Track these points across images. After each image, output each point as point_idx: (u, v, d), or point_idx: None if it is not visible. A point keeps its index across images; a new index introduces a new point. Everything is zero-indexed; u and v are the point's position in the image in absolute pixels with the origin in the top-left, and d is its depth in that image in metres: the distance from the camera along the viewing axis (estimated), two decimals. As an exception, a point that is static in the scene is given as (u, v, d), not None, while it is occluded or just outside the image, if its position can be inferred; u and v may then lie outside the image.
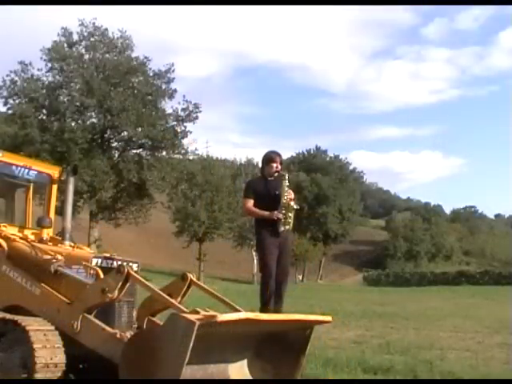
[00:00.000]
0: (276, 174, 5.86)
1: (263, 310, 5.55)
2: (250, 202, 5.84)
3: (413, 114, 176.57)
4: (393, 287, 45.09)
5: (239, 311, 4.76)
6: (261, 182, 5.93)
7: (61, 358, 4.46)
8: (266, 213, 5.70)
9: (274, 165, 5.87)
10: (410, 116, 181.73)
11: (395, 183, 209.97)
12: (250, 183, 6.11)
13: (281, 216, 5.64)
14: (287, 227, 5.67)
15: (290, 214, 5.67)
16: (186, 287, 5.23)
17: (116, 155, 34.03)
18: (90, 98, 30.78)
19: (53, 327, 4.60)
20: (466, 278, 50.48)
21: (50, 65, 31.53)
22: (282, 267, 5.73)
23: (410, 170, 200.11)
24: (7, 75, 30.93)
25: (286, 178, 5.75)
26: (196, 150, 36.86)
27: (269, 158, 5.94)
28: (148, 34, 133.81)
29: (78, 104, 31.39)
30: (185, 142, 33.89)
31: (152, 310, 5.28)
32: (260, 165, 6.21)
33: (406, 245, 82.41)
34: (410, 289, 39.22)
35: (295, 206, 5.70)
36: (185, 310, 4.31)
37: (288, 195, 5.70)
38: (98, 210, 32.89)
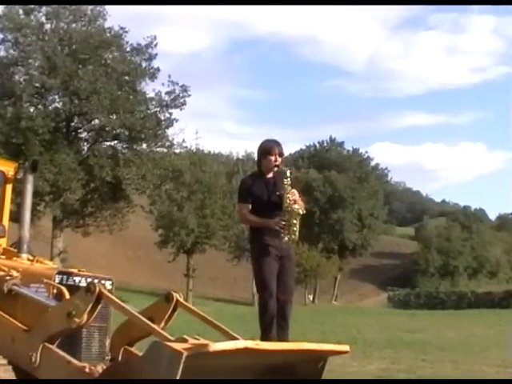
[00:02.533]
0: (275, 169, 5.82)
1: (265, 337, 5.53)
2: (247, 208, 5.82)
3: (449, 97, 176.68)
4: (425, 310, 45.09)
5: (236, 339, 4.77)
6: (258, 181, 5.88)
7: (15, 398, 4.45)
8: (265, 220, 5.67)
9: (272, 158, 5.82)
10: (445, 100, 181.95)
11: (427, 182, 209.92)
12: (244, 183, 6.03)
13: (283, 224, 5.58)
14: (293, 237, 5.62)
15: (294, 221, 5.61)
16: (171, 310, 5.23)
17: (85, 148, 34.02)
18: (53, 77, 30.76)
19: (5, 361, 4.59)
20: (516, 300, 50.44)
21: (1, 36, 31.59)
22: (283, 284, 5.70)
23: (445, 167, 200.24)
24: None
25: (288, 174, 5.71)
26: (183, 141, 36.79)
27: (265, 148, 5.91)
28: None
29: (37, 85, 31.38)
30: (170, 132, 33.92)
31: (129, 337, 5.29)
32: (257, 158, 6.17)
33: (440, 258, 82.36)
34: (446, 312, 39.24)
35: (300, 211, 5.64)
36: (169, 337, 4.30)
37: (291, 196, 5.64)
38: (63, 216, 32.87)
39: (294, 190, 5.69)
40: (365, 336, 15.72)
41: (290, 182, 5.68)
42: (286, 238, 5.60)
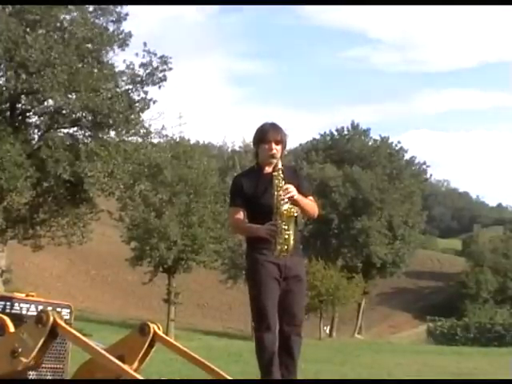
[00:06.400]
0: (273, 161, 5.86)
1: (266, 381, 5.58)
2: (239, 213, 5.88)
3: (507, 70, 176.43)
4: (475, 347, 45.00)
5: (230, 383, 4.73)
6: (253, 178, 5.96)
7: None
8: (255, 227, 5.73)
9: (266, 146, 5.88)
10: (501, 74, 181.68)
11: (478, 181, 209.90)
12: (237, 181, 6.09)
13: (273, 230, 5.59)
14: (284, 247, 5.61)
15: (284, 227, 5.61)
16: (146, 346, 5.22)
17: (36, 137, 34.03)
18: (-8, 45, 30.76)
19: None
20: None
21: None
22: (289, 312, 5.75)
23: (501, 161, 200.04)
24: None
25: (279, 167, 5.75)
26: (163, 129, 36.76)
27: (259, 134, 5.98)
28: None
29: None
30: (146, 116, 33.94)
31: (92, 382, 5.27)
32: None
33: (496, 279, 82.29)
34: (505, 350, 39.05)
35: (294, 212, 5.65)
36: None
37: (282, 194, 5.66)
38: (6, 224, 32.87)
39: (290, 186, 5.70)
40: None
41: (281, 176, 5.72)
42: (279, 247, 5.59)
